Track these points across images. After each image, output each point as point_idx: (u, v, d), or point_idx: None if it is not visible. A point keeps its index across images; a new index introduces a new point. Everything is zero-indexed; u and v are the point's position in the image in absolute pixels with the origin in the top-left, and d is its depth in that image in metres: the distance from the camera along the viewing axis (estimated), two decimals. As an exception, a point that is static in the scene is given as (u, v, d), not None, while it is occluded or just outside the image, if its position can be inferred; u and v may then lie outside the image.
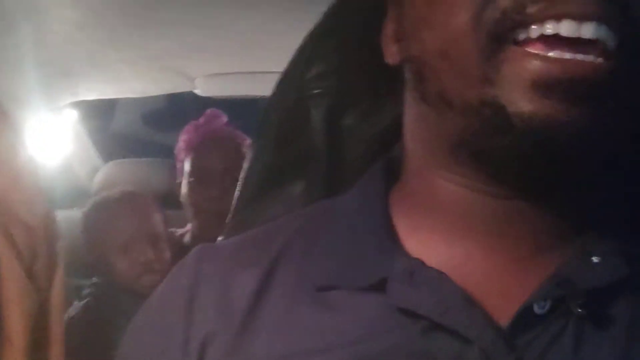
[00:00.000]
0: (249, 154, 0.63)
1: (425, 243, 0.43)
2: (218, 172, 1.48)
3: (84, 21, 1.29)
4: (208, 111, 1.58)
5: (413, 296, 0.40)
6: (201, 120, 1.57)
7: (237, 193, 0.63)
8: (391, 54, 0.47)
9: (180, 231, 1.57)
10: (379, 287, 0.41)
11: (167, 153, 2.01)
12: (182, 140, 1.56)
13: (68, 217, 1.45)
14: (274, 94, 0.61)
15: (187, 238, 1.55)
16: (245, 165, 0.63)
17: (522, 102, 0.37)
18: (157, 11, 1.26)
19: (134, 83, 1.62)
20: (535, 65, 0.37)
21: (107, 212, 1.39)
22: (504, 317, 0.39)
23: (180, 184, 1.55)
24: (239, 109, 1.71)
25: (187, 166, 1.53)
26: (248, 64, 1.55)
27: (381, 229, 0.44)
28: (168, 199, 1.64)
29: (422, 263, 0.41)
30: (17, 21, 1.25)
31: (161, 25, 1.33)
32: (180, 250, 1.44)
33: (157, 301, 0.49)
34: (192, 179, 1.51)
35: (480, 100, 0.38)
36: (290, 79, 0.59)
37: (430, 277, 0.40)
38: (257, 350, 0.42)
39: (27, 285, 0.79)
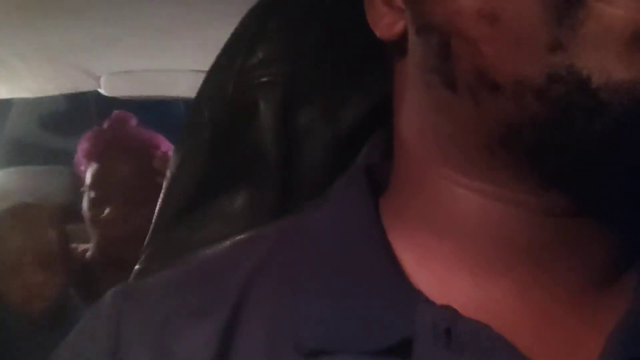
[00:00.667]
0: (171, 161, 0.51)
1: (444, 280, 0.32)
2: (122, 190, 1.30)
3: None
4: (114, 114, 1.40)
5: None
6: (105, 124, 1.38)
7: (157, 211, 0.51)
8: (385, 24, 0.34)
9: (83, 246, 1.39)
10: (400, 351, 0.30)
11: (67, 160, 1.83)
12: (80, 149, 1.37)
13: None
14: (205, 87, 0.49)
15: (89, 254, 1.38)
16: (167, 175, 0.51)
17: (615, 67, 0.26)
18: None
19: (30, 81, 1.45)
20: (631, 12, 0.26)
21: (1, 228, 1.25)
22: None
23: (83, 194, 1.37)
24: (149, 111, 1.56)
25: (88, 178, 1.34)
26: (161, 60, 1.41)
27: (385, 262, 0.33)
28: (69, 212, 1.45)
29: (456, 313, 0.30)
30: None
31: (62, 15, 1.19)
32: (82, 268, 1.30)
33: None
34: (92, 195, 1.32)
35: (547, 75, 0.27)
36: (226, 67, 0.47)
37: (474, 335, 0.29)
38: None
39: None
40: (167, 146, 1.38)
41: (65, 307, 1.21)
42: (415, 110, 0.34)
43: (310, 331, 0.32)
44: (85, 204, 1.34)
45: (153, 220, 0.50)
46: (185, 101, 1.77)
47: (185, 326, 0.34)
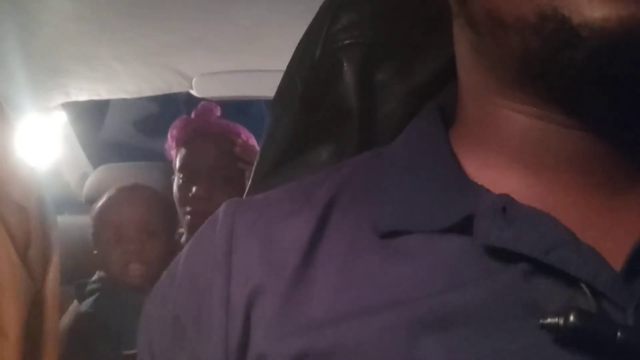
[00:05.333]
0: (268, 121, 0.58)
1: (500, 181, 0.37)
2: (207, 170, 1.41)
3: (77, 12, 1.23)
4: (200, 104, 1.50)
5: (509, 233, 0.33)
6: (193, 114, 1.49)
7: (255, 164, 0.58)
8: None
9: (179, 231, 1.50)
10: (463, 227, 0.35)
11: (158, 160, 1.95)
12: (170, 135, 1.49)
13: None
14: (296, 54, 0.56)
15: (182, 239, 1.48)
16: (264, 134, 0.58)
17: (589, 10, 0.31)
18: (155, 2, 1.21)
19: (128, 83, 1.55)
20: None
21: (109, 202, 1.37)
22: (613, 258, 0.33)
23: (174, 180, 1.48)
24: (231, 110, 1.64)
25: (177, 163, 1.46)
26: (249, 61, 1.49)
27: (451, 166, 0.39)
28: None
29: (511, 197, 0.35)
30: (2, 12, 1.20)
31: (158, 19, 1.28)
32: (175, 250, 1.39)
33: (185, 258, 0.43)
34: (180, 176, 1.44)
35: (538, 14, 0.32)
36: (314, 34, 0.54)
37: (526, 212, 0.34)
38: (315, 308, 0.36)
39: (21, 271, 0.73)
40: (246, 135, 1.48)
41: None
42: (461, 50, 0.41)
43: (385, 217, 0.38)
44: (175, 186, 1.45)
45: (252, 172, 0.57)
46: (267, 101, 1.86)
47: (285, 221, 0.40)
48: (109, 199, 1.38)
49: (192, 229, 1.42)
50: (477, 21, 0.36)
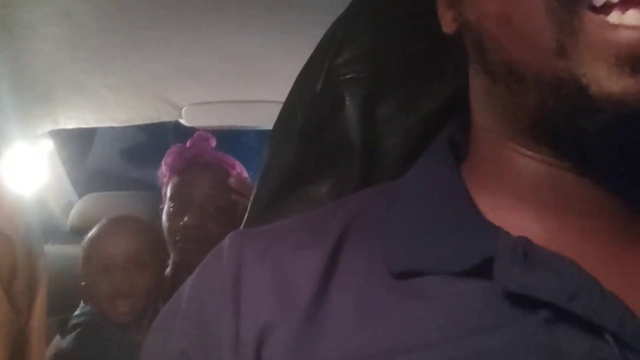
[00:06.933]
0: (265, 153, 0.57)
1: (517, 223, 0.36)
2: (200, 199, 1.39)
3: (68, 40, 1.22)
4: (196, 134, 1.50)
5: (531, 279, 0.33)
6: (188, 143, 1.48)
7: (252, 198, 0.57)
8: (446, 22, 0.41)
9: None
10: (482, 270, 0.34)
11: (144, 188, 1.93)
12: (164, 163, 1.47)
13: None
14: (296, 87, 0.55)
15: (167, 270, 1.45)
16: (263, 166, 0.57)
17: (608, 81, 0.30)
18: (146, 31, 1.20)
19: (117, 111, 1.54)
20: (619, 36, 0.30)
21: (99, 232, 1.35)
22: (636, 307, 0.32)
23: (162, 210, 1.46)
24: (222, 141, 1.64)
25: (168, 191, 1.44)
26: (239, 91, 1.49)
27: (466, 205, 0.38)
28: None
29: (531, 241, 0.34)
30: (-6, 38, 1.19)
31: (149, 48, 1.27)
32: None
33: (190, 291, 0.41)
34: (171, 205, 1.42)
35: (555, 77, 0.32)
36: (314, 68, 0.53)
37: (547, 256, 0.33)
38: (329, 348, 0.35)
39: (5, 305, 0.71)
40: (240, 168, 1.47)
41: (149, 309, 1.29)
42: (476, 92, 0.40)
43: (400, 256, 0.37)
44: (164, 215, 1.43)
45: (250, 204, 0.56)
46: (258, 131, 1.86)
47: (296, 254, 0.39)
48: (99, 229, 1.36)
49: (181, 259, 1.40)
50: (493, 70, 0.36)
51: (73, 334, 1.27)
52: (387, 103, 0.50)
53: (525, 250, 0.34)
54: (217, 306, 0.38)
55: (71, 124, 1.59)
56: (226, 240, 0.42)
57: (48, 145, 1.74)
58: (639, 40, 0.30)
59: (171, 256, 1.45)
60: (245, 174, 1.47)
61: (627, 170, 0.35)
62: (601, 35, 0.31)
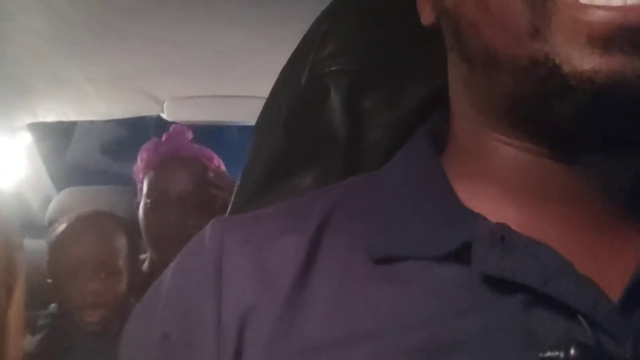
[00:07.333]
0: (249, 146, 0.57)
1: (495, 210, 0.37)
2: (177, 196, 1.36)
3: (49, 31, 1.21)
4: (172, 127, 1.48)
5: (508, 263, 0.33)
6: (163, 137, 1.46)
7: (235, 191, 0.57)
8: (425, 12, 0.42)
9: (141, 257, 1.45)
10: (460, 255, 0.35)
11: (124, 183, 1.92)
12: (140, 158, 1.44)
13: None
14: (280, 79, 0.55)
15: (144, 266, 1.44)
16: (247, 158, 0.57)
17: (579, 60, 0.31)
18: (128, 24, 1.19)
19: (98, 104, 1.53)
20: (590, 16, 0.31)
21: (67, 232, 1.25)
22: (610, 290, 0.33)
23: (138, 205, 1.43)
24: (203, 136, 1.62)
25: (145, 187, 1.40)
26: (222, 86, 1.48)
27: (446, 193, 0.38)
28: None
29: (509, 227, 0.35)
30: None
31: (132, 41, 1.26)
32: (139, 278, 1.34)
33: (172, 277, 0.41)
34: (148, 202, 1.38)
35: (530, 59, 0.33)
36: (299, 60, 0.53)
37: (524, 241, 0.34)
38: (309, 330, 0.35)
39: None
40: (218, 161, 1.45)
41: (123, 316, 1.20)
42: (454, 81, 0.41)
43: (380, 242, 0.38)
44: (141, 212, 1.40)
45: (233, 197, 0.56)
46: (239, 127, 1.85)
47: (277, 240, 0.39)
48: (68, 227, 1.25)
49: (159, 256, 1.38)
50: (470, 57, 0.37)
51: (39, 336, 1.21)
52: (372, 96, 0.50)
53: (502, 235, 0.34)
54: (199, 291, 0.38)
55: (50, 117, 1.58)
56: (208, 228, 0.42)
57: (26, 139, 1.72)
58: (609, 19, 0.31)
59: (148, 252, 1.43)
60: (223, 167, 1.45)
61: (604, 155, 0.35)
62: (573, 15, 0.31)
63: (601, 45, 0.31)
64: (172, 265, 0.43)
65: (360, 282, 0.36)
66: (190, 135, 1.47)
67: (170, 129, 1.48)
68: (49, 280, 1.24)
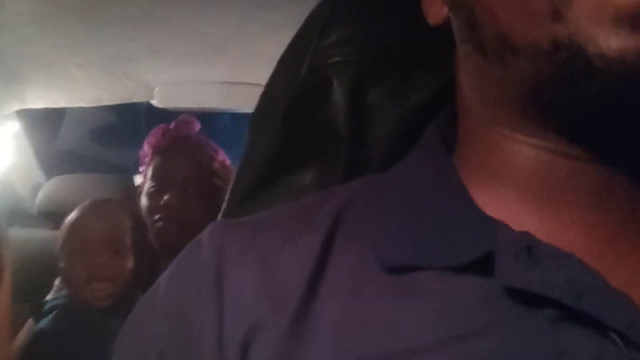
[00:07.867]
0: (245, 141, 0.54)
1: (515, 216, 0.34)
2: (181, 179, 1.36)
3: (37, 16, 1.17)
4: (181, 116, 1.47)
5: (535, 275, 0.31)
6: (172, 124, 1.45)
7: (230, 187, 0.54)
8: (434, 11, 0.39)
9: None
10: (482, 265, 0.32)
11: (115, 171, 1.89)
12: (147, 142, 1.44)
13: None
14: (278, 70, 0.52)
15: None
16: (242, 154, 0.54)
17: (605, 41, 0.29)
18: (118, 8, 1.16)
19: (88, 90, 1.49)
20: None
21: (78, 214, 1.32)
22: None
23: (140, 192, 1.42)
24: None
25: (149, 171, 1.40)
26: (214, 72, 1.45)
27: (463, 198, 0.35)
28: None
29: (534, 236, 0.32)
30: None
31: (122, 25, 1.23)
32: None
33: (167, 286, 0.38)
34: (152, 185, 1.38)
35: (551, 42, 0.30)
36: (299, 50, 0.50)
37: (551, 252, 0.31)
38: (320, 349, 0.32)
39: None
40: (223, 156, 1.45)
41: (129, 295, 1.26)
42: (465, 80, 0.38)
43: (394, 251, 0.35)
44: (144, 196, 1.40)
45: (228, 194, 0.53)
46: (232, 114, 1.82)
47: (283, 248, 0.36)
48: (79, 211, 1.33)
49: (160, 242, 1.37)
50: (486, 47, 0.34)
51: (50, 315, 1.25)
52: (377, 90, 0.47)
53: (528, 245, 0.32)
54: (197, 305, 0.35)
55: (39, 104, 1.54)
56: (205, 232, 0.39)
57: (15, 126, 1.69)
58: None
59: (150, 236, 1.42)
60: (229, 162, 1.44)
61: (631, 153, 0.32)
62: None
63: (628, 24, 0.28)
64: (166, 273, 0.39)
65: (373, 295, 0.34)
66: (198, 126, 1.46)
67: (179, 117, 1.46)
68: (61, 265, 1.29)
